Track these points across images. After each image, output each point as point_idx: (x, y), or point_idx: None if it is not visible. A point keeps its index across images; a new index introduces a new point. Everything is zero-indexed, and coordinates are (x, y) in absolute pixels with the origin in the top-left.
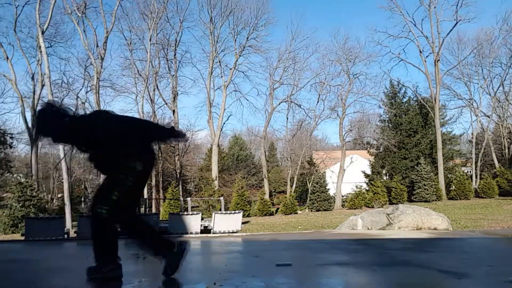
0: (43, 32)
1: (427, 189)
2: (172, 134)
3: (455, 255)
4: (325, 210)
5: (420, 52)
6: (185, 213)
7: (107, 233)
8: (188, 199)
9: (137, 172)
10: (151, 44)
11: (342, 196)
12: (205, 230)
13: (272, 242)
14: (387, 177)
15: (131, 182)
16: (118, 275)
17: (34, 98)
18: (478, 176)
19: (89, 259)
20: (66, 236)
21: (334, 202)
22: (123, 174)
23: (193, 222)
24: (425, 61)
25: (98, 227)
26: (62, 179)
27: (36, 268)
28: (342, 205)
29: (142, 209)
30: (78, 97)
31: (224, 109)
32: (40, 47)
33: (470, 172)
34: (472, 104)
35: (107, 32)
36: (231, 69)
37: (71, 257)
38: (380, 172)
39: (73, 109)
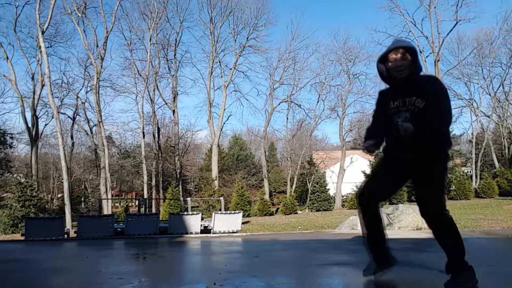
0: (43, 32)
1: None
2: None
3: None
4: (325, 210)
5: (420, 52)
6: (185, 213)
7: None
8: (188, 199)
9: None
10: (151, 44)
11: (342, 196)
12: (205, 230)
13: (272, 242)
14: None
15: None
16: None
17: (34, 98)
18: (478, 176)
19: (89, 259)
20: (66, 236)
21: (334, 202)
22: None
23: (193, 222)
24: (425, 61)
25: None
26: (62, 179)
27: (36, 268)
28: (342, 205)
29: (142, 209)
30: (78, 97)
31: (224, 109)
32: (40, 47)
33: (470, 172)
34: (472, 104)
35: (107, 32)
36: (231, 69)
37: (71, 257)
38: None
39: None
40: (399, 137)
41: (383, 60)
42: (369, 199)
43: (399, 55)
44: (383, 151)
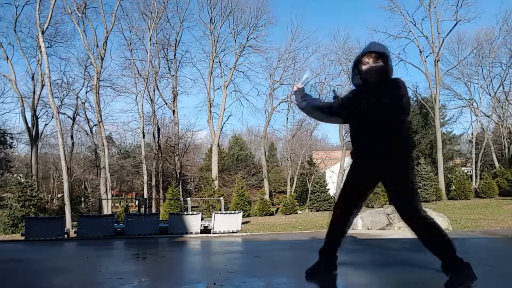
0: (43, 32)
1: (427, 189)
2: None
3: None
4: (325, 210)
5: (420, 52)
6: (185, 213)
7: None
8: (188, 199)
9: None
10: (151, 44)
11: None
12: (205, 230)
13: (272, 242)
14: None
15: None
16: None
17: (34, 98)
18: (478, 176)
19: (89, 259)
20: (66, 236)
21: (334, 202)
22: None
23: (193, 222)
24: (425, 61)
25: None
26: (62, 179)
27: (36, 268)
28: None
29: (142, 209)
30: (78, 97)
31: (224, 109)
32: (40, 47)
33: (470, 172)
34: (472, 104)
35: (107, 32)
36: (231, 69)
37: (71, 257)
38: None
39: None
40: (363, 138)
41: (357, 62)
42: (344, 211)
43: (371, 59)
44: (351, 154)
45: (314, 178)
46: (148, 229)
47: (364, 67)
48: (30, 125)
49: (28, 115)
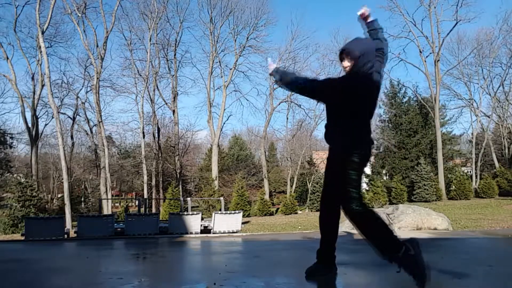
0: (43, 32)
1: (427, 189)
2: None
3: (455, 255)
4: None
5: (420, 52)
6: (185, 213)
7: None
8: (188, 199)
9: None
10: (151, 44)
11: None
12: (205, 230)
13: (272, 242)
14: (387, 177)
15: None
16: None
17: (34, 98)
18: (478, 176)
19: (89, 259)
20: (66, 236)
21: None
22: None
23: (193, 222)
24: (425, 61)
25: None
26: (62, 179)
27: (36, 268)
28: None
29: (142, 209)
30: (78, 97)
31: (224, 109)
32: (40, 47)
33: (470, 172)
34: (472, 104)
35: (107, 32)
36: (231, 69)
37: (71, 257)
38: (380, 172)
39: None
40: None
41: (339, 55)
42: (328, 208)
43: (347, 56)
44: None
45: (314, 178)
46: (148, 229)
47: (342, 62)
48: (30, 125)
49: (28, 115)
